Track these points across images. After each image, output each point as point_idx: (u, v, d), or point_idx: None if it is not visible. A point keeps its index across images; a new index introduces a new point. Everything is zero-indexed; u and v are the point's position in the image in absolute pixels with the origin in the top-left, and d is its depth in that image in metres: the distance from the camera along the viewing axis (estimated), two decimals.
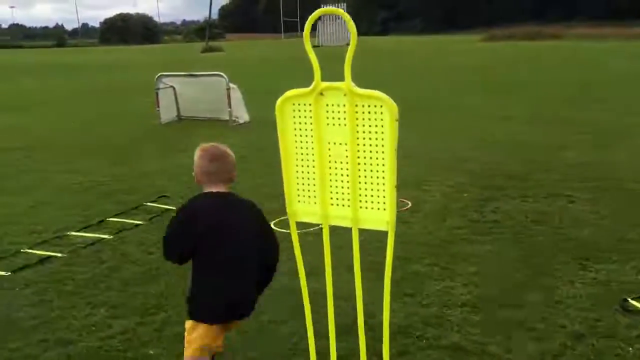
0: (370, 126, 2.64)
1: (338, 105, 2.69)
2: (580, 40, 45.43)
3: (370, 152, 2.67)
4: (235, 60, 37.54)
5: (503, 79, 20.21)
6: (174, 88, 12.79)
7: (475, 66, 26.11)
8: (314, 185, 2.85)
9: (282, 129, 2.83)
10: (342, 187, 2.79)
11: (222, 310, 2.84)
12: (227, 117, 12.27)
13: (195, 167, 3.00)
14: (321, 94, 2.70)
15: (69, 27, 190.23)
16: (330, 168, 2.79)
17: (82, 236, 5.62)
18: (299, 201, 2.92)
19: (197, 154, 3.02)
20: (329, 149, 2.76)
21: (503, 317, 3.83)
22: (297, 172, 2.88)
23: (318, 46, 59.03)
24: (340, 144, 2.73)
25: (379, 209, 2.72)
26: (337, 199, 2.82)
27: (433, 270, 4.60)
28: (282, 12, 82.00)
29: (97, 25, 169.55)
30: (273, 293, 3.48)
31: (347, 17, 2.61)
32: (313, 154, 2.81)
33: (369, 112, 2.63)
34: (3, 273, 4.75)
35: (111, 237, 5.56)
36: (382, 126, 2.61)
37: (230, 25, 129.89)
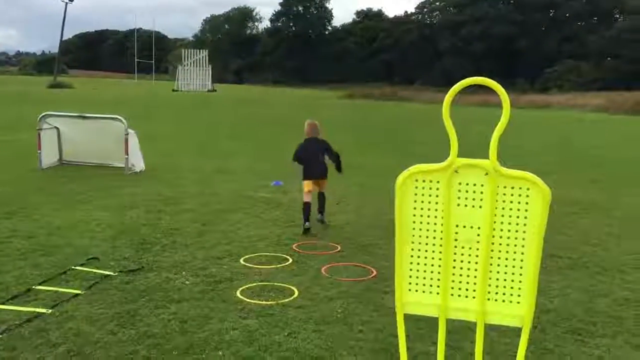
0: (512, 209, 2.40)
1: (475, 185, 2.43)
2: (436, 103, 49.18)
3: (509, 237, 2.42)
4: (92, 99, 35.29)
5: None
6: (58, 129, 11.50)
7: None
8: (433, 272, 2.53)
9: (401, 208, 2.50)
10: (469, 276, 2.50)
11: (310, 175, 7.61)
12: (118, 164, 11.29)
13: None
14: (456, 171, 2.43)
15: None
16: (455, 254, 2.49)
17: (11, 310, 4.61)
18: (410, 289, 2.57)
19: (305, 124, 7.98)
20: (456, 233, 2.48)
21: None
22: (412, 257, 2.54)
23: (177, 90, 57.74)
24: (472, 227, 2.45)
25: (511, 302, 2.47)
26: (460, 289, 2.52)
27: None
28: (136, 52, 79.23)
29: None
30: None
31: (501, 89, 2.37)
32: (435, 237, 2.50)
33: (513, 195, 2.40)
34: None
35: (49, 310, 4.63)
36: (526, 210, 2.39)
37: (71, 60, 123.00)
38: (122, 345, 4.10)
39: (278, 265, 5.97)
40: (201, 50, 67.63)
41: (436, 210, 2.47)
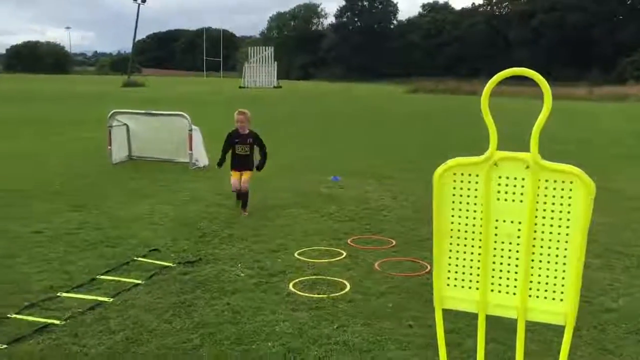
0: (554, 204, 2.32)
1: (515, 179, 2.36)
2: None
3: (551, 233, 2.34)
4: (166, 97, 36.45)
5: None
6: (127, 126, 11.98)
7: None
8: (472, 267, 2.48)
9: (439, 202, 2.46)
10: (509, 272, 2.43)
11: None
12: (184, 160, 11.61)
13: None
14: (495, 164, 2.37)
15: None
16: (495, 249, 2.44)
17: (76, 298, 4.86)
18: (448, 284, 2.54)
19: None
20: (496, 227, 2.42)
21: None
22: (451, 251, 2.50)
23: (244, 87, 58.81)
24: (512, 222, 2.38)
25: (554, 299, 2.38)
26: (501, 284, 2.45)
27: None
28: (205, 50, 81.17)
29: (1, 51, 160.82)
30: None
31: (541, 79, 2.29)
32: (474, 232, 2.45)
33: (555, 189, 2.31)
34: None
35: (111, 299, 4.85)
36: (569, 205, 2.30)
37: (144, 60, 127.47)
38: (177, 334, 4.25)
39: (331, 260, 6.00)
40: (267, 47, 68.61)
41: (475, 204, 2.42)
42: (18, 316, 4.47)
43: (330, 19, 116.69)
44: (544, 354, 3.94)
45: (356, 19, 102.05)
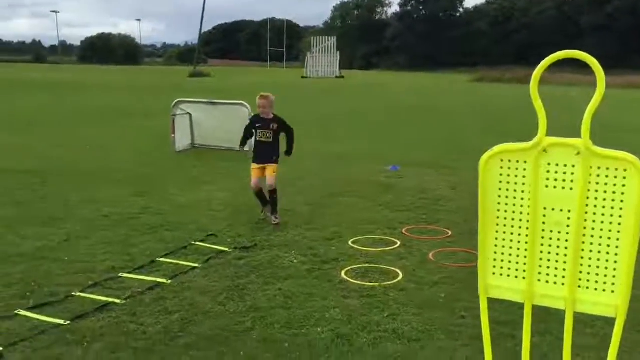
0: (606, 192, 2.22)
1: (565, 166, 2.27)
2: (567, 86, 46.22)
3: (602, 222, 2.24)
4: (229, 87, 37.09)
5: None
6: (190, 115, 12.29)
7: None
8: (519, 256, 2.42)
9: (484, 189, 2.40)
10: (557, 262, 2.35)
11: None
12: (244, 148, 11.78)
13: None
14: (544, 150, 2.29)
15: (46, 43, 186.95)
16: (543, 238, 2.36)
17: (136, 279, 5.06)
18: (494, 273, 2.49)
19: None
20: (544, 216, 2.34)
21: None
22: (497, 239, 2.45)
23: (306, 77, 59.11)
24: (561, 210, 2.30)
25: (604, 290, 2.29)
26: (548, 274, 2.38)
27: None
28: (269, 41, 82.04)
29: (75, 43, 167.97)
30: None
31: (595, 63, 2.20)
32: (521, 220, 2.38)
33: (607, 176, 2.21)
34: (61, 322, 4.17)
35: (169, 281, 5.02)
36: (622, 193, 2.20)
37: (210, 51, 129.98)
38: (230, 317, 4.35)
39: (385, 248, 5.99)
40: (329, 37, 68.62)
41: (522, 191, 2.35)
42: (82, 294, 4.70)
43: (395, 8, 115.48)
44: (601, 348, 3.80)
45: (421, 7, 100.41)
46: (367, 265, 5.49)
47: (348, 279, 5.11)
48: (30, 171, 9.70)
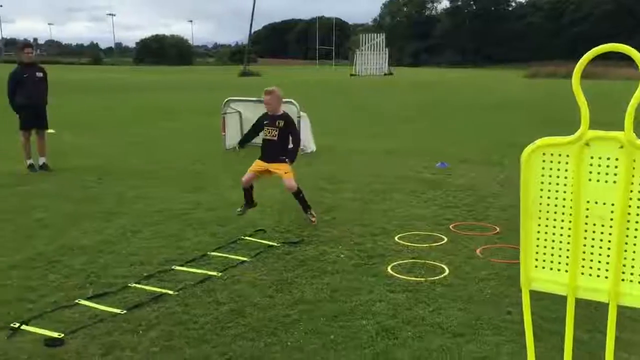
0: None
1: (608, 159, 2.27)
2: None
3: None
4: (278, 85, 37.46)
5: None
6: (240, 113, 12.53)
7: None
8: (561, 249, 2.43)
9: (526, 182, 2.42)
10: (601, 255, 2.35)
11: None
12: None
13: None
14: (587, 144, 2.30)
15: (102, 45, 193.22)
16: (586, 231, 2.37)
17: (188, 272, 5.25)
18: (536, 266, 2.50)
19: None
20: (587, 209, 2.35)
21: None
22: (539, 232, 2.46)
23: (355, 75, 59.09)
24: (604, 203, 2.30)
25: None
26: (591, 267, 2.38)
27: None
28: (318, 39, 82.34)
29: (130, 44, 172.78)
30: None
31: (636, 54, 2.19)
32: (564, 214, 2.39)
33: None
34: (118, 311, 4.38)
35: (219, 274, 5.18)
36: None
37: (260, 50, 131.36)
38: (277, 309, 4.47)
39: (432, 244, 6.00)
40: (378, 34, 68.37)
41: (565, 185, 2.37)
42: (138, 285, 4.91)
43: (444, 4, 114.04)
44: None
45: (472, 2, 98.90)
46: (413, 260, 5.52)
47: (394, 273, 5.16)
48: (90, 169, 10.11)
